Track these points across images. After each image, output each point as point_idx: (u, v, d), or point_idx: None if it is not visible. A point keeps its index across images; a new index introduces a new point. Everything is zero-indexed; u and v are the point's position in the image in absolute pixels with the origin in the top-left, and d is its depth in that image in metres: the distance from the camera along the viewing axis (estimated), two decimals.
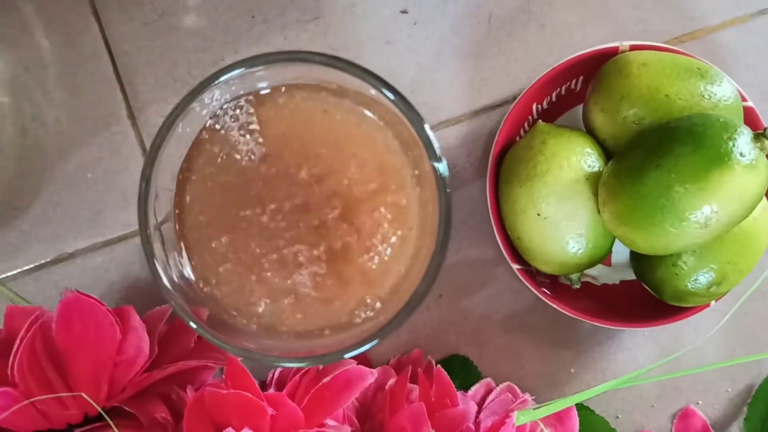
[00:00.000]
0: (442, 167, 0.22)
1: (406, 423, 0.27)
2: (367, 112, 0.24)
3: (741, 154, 0.23)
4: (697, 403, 0.31)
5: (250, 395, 0.25)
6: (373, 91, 0.22)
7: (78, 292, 0.24)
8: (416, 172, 0.24)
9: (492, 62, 0.30)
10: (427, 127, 0.22)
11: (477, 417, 0.28)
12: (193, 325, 0.23)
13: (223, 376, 0.26)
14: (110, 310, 0.24)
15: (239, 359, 0.26)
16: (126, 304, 0.25)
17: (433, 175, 0.23)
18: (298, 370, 0.27)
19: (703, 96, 0.27)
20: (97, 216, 0.31)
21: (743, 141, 0.23)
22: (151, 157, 0.23)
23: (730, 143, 0.23)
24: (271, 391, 0.27)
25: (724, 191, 0.23)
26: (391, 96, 0.22)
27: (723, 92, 0.27)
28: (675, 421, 0.31)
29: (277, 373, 0.28)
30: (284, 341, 0.25)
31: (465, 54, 0.30)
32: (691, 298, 0.28)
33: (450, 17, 0.30)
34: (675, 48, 0.29)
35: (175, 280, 0.24)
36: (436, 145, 0.22)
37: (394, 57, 0.30)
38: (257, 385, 0.26)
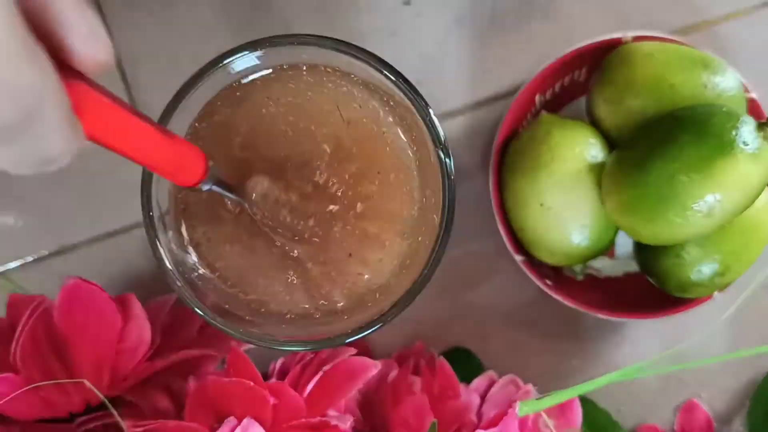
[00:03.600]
0: (446, 154, 0.22)
1: (409, 415, 0.27)
2: (373, 99, 0.24)
3: (744, 143, 0.23)
4: (700, 396, 0.31)
5: (253, 384, 0.25)
6: (379, 77, 0.22)
7: (79, 278, 0.24)
8: (419, 159, 0.24)
9: (495, 53, 0.30)
10: (431, 112, 0.22)
11: (480, 409, 0.28)
12: (198, 310, 0.24)
13: (225, 366, 0.26)
14: (111, 297, 0.24)
15: (242, 349, 0.26)
16: (126, 292, 0.25)
17: (437, 162, 0.23)
18: (301, 359, 0.27)
19: (707, 87, 0.27)
20: (100, 207, 0.31)
21: (747, 130, 0.23)
22: None
23: (734, 132, 0.23)
24: (274, 380, 0.27)
25: (728, 180, 0.23)
26: (398, 82, 0.22)
27: (726, 83, 0.27)
28: (678, 414, 0.31)
29: (279, 364, 0.28)
30: (287, 327, 0.25)
31: (468, 45, 0.30)
32: (695, 289, 0.28)
33: (453, 8, 0.30)
34: (678, 39, 0.29)
35: (179, 267, 0.24)
36: (440, 131, 0.22)
37: (398, 48, 0.30)
38: (259, 375, 0.26)
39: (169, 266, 0.24)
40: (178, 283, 0.24)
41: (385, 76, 0.22)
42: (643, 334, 0.31)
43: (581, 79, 0.30)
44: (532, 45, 0.30)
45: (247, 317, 0.25)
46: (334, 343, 0.24)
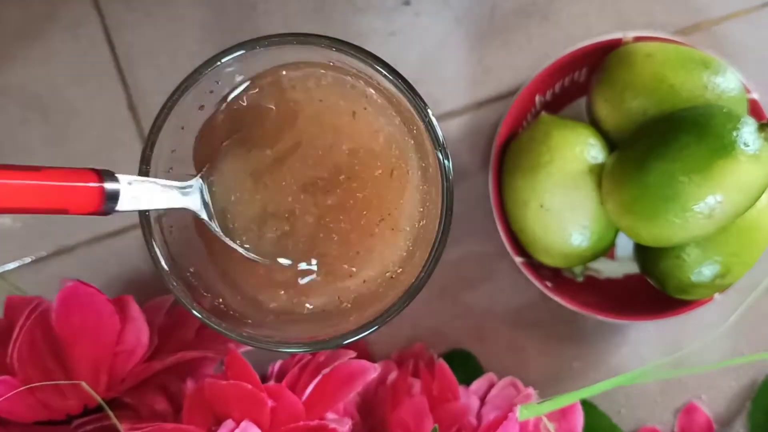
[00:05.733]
0: (445, 155, 0.22)
1: (408, 417, 0.27)
2: (373, 96, 0.24)
3: (745, 144, 0.23)
4: (701, 399, 0.31)
5: (251, 386, 0.25)
6: (379, 78, 0.22)
7: (78, 281, 0.24)
8: (418, 158, 0.24)
9: (495, 54, 0.30)
10: (430, 113, 0.21)
11: (479, 411, 0.28)
12: (194, 311, 0.23)
13: (223, 368, 0.26)
14: (110, 300, 0.24)
15: (239, 351, 0.26)
16: (124, 294, 0.25)
17: (435, 163, 0.22)
18: (299, 361, 0.27)
19: (707, 87, 0.26)
20: None
21: (747, 131, 0.23)
22: (151, 139, 0.23)
23: (734, 133, 0.23)
24: (272, 382, 0.26)
25: (728, 181, 0.23)
26: (396, 82, 0.22)
27: (727, 83, 0.27)
28: (678, 416, 0.31)
29: (277, 366, 0.27)
30: (285, 328, 0.25)
31: (468, 46, 0.30)
32: (695, 290, 0.27)
33: (453, 8, 0.30)
34: (679, 39, 0.28)
35: (175, 267, 0.24)
36: (439, 132, 0.22)
37: (397, 48, 0.29)
38: (257, 377, 0.25)
39: (165, 266, 0.23)
40: (174, 283, 0.23)
41: (384, 76, 0.22)
42: (643, 335, 0.31)
43: (581, 80, 0.30)
44: (532, 45, 0.30)
45: (244, 319, 0.25)
46: (332, 345, 0.24)
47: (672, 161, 0.24)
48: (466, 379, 0.28)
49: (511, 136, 0.29)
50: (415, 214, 0.24)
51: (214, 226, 0.22)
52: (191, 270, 0.25)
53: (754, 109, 0.28)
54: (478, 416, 0.28)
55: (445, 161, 0.22)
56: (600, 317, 0.29)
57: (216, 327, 0.24)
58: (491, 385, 0.28)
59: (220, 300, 0.25)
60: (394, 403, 0.27)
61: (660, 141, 0.25)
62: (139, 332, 0.24)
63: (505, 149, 0.29)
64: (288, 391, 0.26)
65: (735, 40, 0.30)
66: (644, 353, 0.30)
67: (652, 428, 0.31)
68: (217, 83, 0.25)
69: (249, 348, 0.27)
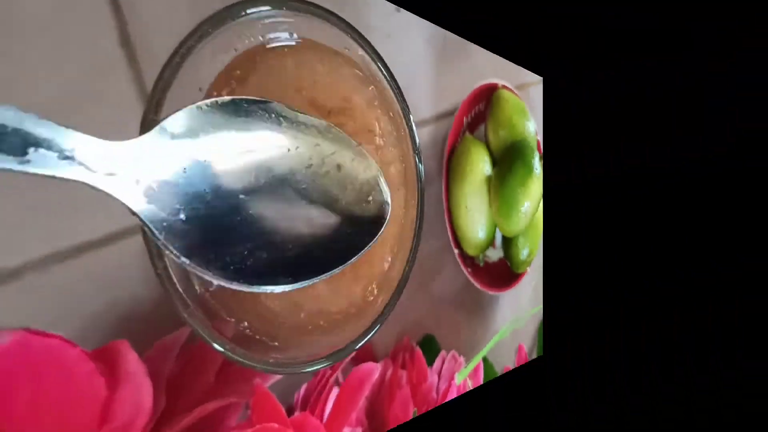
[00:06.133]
0: (419, 159, 0.20)
1: (398, 410, 0.23)
2: (370, 94, 0.20)
3: (536, 169, 0.31)
4: (523, 342, 0.38)
5: (277, 426, 0.17)
6: (379, 76, 0.19)
7: (28, 330, 0.10)
8: (400, 157, 0.21)
9: (448, 74, 0.29)
10: (411, 118, 0.19)
11: (438, 386, 0.27)
12: (218, 347, 0.14)
13: (249, 412, 0.16)
14: (87, 353, 0.11)
15: (266, 385, 0.17)
16: (114, 339, 0.12)
17: (413, 168, 0.20)
18: (319, 383, 0.19)
19: (526, 128, 0.34)
20: (61, 211, 0.13)
21: (536, 160, 0.31)
22: (155, 98, 0.14)
23: (533, 161, 0.31)
24: (298, 413, 0.18)
25: (531, 193, 0.30)
26: (393, 84, 0.19)
27: (532, 128, 0.35)
28: (516, 356, 0.37)
29: (302, 392, 0.19)
30: (307, 341, 0.18)
31: (434, 62, 0.28)
32: (522, 266, 0.34)
33: (422, 29, 0.27)
34: (517, 92, 0.35)
35: (188, 283, 0.14)
36: (417, 137, 0.20)
37: (392, 51, 0.25)
38: (284, 412, 0.17)
39: (178, 287, 0.14)
40: (189, 309, 0.14)
41: (384, 76, 0.19)
42: (503, 303, 0.35)
43: (483, 109, 0.33)
44: (467, 73, 0.31)
45: (271, 341, 0.17)
46: (347, 352, 0.19)
47: (513, 178, 0.30)
48: (431, 360, 0.26)
49: (455, 147, 0.30)
50: (399, 213, 0.22)
51: (149, 227, 0.13)
52: (211, 289, 0.15)
53: (538, 146, 0.37)
54: (437, 390, 0.26)
55: (420, 165, 0.20)
56: (490, 292, 0.32)
57: (242, 360, 0.16)
58: (443, 361, 0.27)
59: (246, 323, 0.16)
60: (390, 399, 0.23)
61: (508, 162, 0.31)
62: (138, 395, 0.12)
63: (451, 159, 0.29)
64: (310, 417, 0.18)
65: (532, 100, 0.38)
66: (506, 314, 0.35)
67: (507, 367, 0.35)
68: (241, 38, 0.16)
69: (276, 379, 0.17)
